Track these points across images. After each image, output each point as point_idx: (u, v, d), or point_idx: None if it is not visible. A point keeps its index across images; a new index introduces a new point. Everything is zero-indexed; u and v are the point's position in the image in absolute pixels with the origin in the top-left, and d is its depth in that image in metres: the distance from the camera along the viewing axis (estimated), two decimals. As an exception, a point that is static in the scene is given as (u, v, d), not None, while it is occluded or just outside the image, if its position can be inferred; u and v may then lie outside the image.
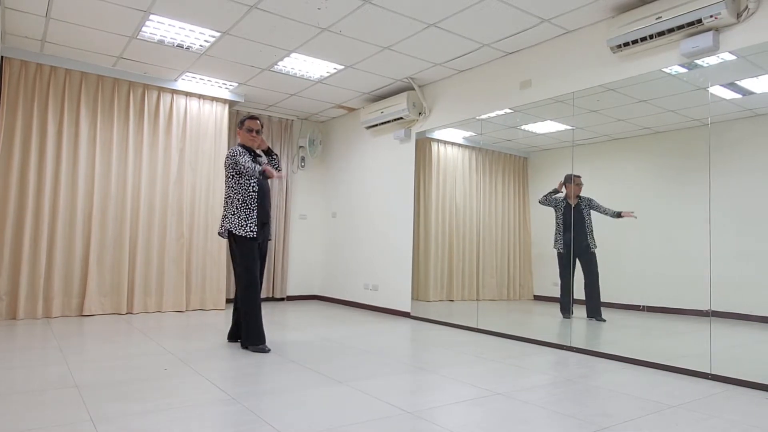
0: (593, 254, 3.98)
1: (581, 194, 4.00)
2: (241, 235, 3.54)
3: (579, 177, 4.02)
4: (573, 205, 4.01)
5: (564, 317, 4.07)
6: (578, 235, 3.98)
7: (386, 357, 3.43)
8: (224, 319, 4.94)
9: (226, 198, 3.66)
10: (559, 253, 4.22)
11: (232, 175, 3.61)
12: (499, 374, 3.02)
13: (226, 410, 2.24)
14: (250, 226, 3.56)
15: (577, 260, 4.03)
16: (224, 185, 3.71)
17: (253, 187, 3.62)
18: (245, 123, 3.74)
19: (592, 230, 3.96)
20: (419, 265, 5.46)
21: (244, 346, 3.57)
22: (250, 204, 3.59)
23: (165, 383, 2.65)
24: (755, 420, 2.27)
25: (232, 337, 3.78)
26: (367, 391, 2.58)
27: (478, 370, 3.10)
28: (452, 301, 5.29)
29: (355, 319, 5.28)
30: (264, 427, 2.04)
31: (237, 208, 3.57)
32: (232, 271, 6.25)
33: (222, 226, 3.64)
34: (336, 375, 2.90)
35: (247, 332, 3.53)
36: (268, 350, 3.50)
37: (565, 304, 4.08)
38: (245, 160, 3.57)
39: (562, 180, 4.18)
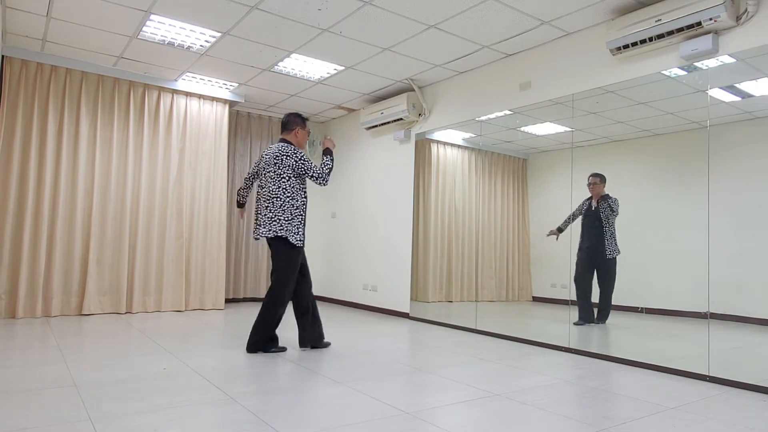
0: (608, 261, 3.86)
1: (604, 195, 3.85)
2: (293, 244, 3.43)
3: (592, 176, 3.90)
4: (593, 208, 3.90)
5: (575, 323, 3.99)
6: (591, 240, 3.89)
7: (385, 357, 3.44)
8: (223, 319, 4.94)
9: (272, 199, 3.44)
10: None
11: (290, 176, 3.45)
12: (498, 375, 3.02)
13: (224, 410, 2.24)
14: (302, 234, 3.47)
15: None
16: (271, 185, 3.47)
17: (305, 192, 3.54)
18: (306, 124, 3.69)
19: (611, 235, 3.83)
20: (418, 266, 5.47)
21: (310, 345, 3.61)
22: (304, 211, 3.50)
23: (163, 383, 2.65)
24: (753, 422, 2.28)
25: (304, 342, 3.61)
26: (366, 392, 2.58)
27: (476, 371, 3.11)
28: (451, 302, 5.29)
29: (354, 319, 5.28)
30: (263, 427, 2.04)
31: (291, 214, 3.43)
32: (231, 271, 6.35)
33: (269, 230, 3.41)
34: (335, 375, 2.91)
35: (260, 334, 3.43)
36: (284, 349, 3.58)
37: (579, 308, 3.97)
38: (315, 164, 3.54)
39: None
